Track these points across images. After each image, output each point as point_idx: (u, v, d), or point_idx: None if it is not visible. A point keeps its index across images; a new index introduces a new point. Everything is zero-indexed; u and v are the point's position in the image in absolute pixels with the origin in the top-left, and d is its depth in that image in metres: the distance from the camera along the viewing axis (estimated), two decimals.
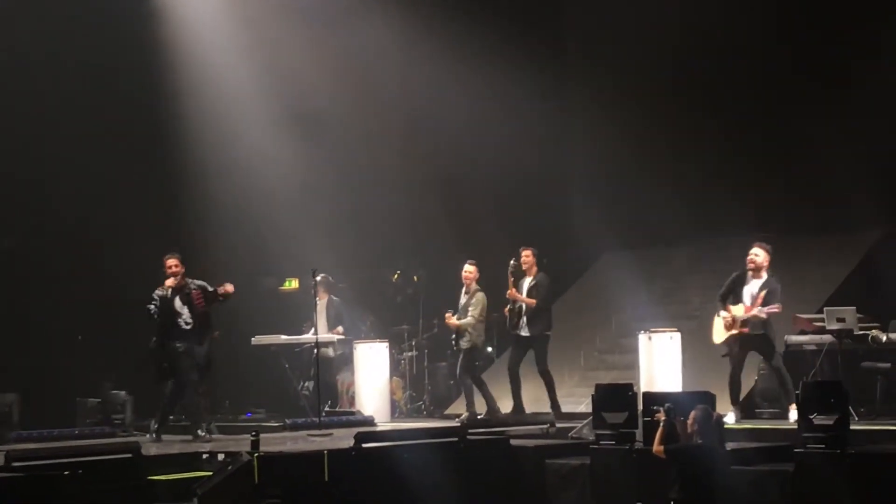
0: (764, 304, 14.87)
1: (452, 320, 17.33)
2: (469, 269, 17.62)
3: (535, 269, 17.25)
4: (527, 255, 17.19)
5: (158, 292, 15.67)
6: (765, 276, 15.10)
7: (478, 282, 17.57)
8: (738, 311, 15.10)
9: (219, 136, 19.80)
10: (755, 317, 14.89)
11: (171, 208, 20.13)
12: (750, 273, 15.18)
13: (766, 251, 15.17)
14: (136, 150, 19.70)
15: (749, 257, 15.19)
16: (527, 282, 17.16)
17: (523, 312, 17.07)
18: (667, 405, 12.35)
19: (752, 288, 15.10)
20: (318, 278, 17.64)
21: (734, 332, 15.09)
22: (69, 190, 19.29)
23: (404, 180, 21.08)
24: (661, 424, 12.17)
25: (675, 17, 20.12)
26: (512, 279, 17.07)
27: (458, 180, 21.21)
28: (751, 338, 15.02)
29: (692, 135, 19.85)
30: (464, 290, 17.67)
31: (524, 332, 17.09)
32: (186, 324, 15.68)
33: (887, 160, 17.81)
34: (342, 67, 20.37)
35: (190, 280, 15.79)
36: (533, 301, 16.99)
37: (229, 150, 19.85)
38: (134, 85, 19.51)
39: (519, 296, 17.06)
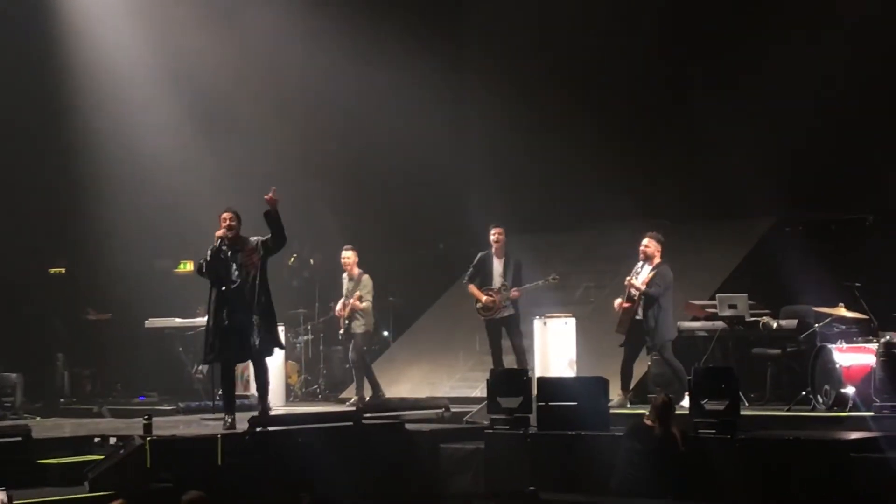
0: (649, 285, 15.03)
1: (357, 303, 17.23)
2: (347, 255, 17.53)
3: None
4: (498, 233, 16.62)
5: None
6: (656, 261, 15.26)
7: (358, 265, 17.54)
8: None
9: (115, 120, 19.54)
10: (637, 288, 15.05)
11: (64, 188, 19.85)
12: (641, 262, 15.35)
13: (657, 241, 15.33)
14: (29, 132, 19.40)
15: (641, 247, 15.35)
16: (497, 265, 16.59)
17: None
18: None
19: (643, 275, 15.24)
20: None
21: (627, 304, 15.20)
22: None
23: (302, 165, 20.98)
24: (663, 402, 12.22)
25: (567, 5, 20.27)
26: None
27: (355, 165, 21.20)
28: (642, 327, 15.16)
29: (587, 123, 19.99)
30: (346, 275, 17.61)
31: (500, 315, 16.47)
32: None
33: (781, 148, 18.07)
34: (241, 54, 20.22)
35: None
36: (518, 294, 16.41)
37: (126, 134, 19.60)
38: (30, 74, 19.19)
39: (500, 299, 16.39)
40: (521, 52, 21.01)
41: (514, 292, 16.33)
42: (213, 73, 19.92)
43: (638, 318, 15.16)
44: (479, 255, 16.68)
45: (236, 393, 17.04)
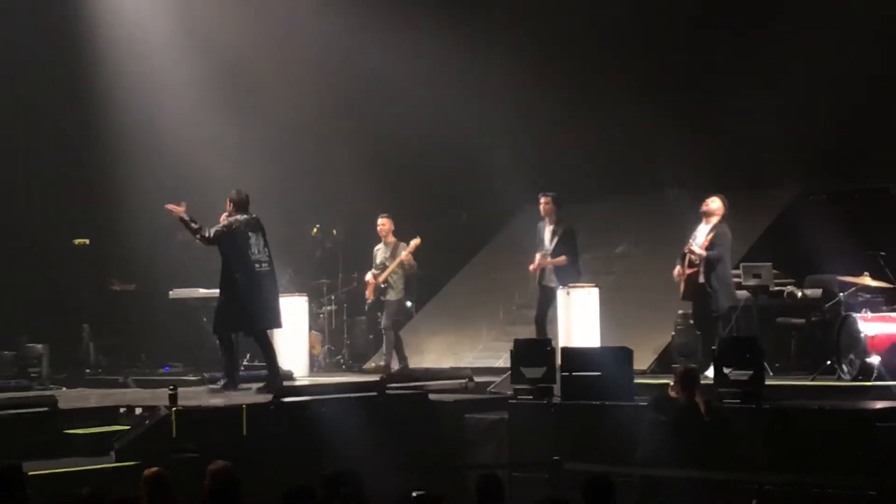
0: (709, 248, 14.91)
1: (409, 258, 17.29)
2: (383, 222, 17.65)
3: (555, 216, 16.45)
4: (544, 202, 16.51)
5: None
6: (714, 220, 15.12)
7: (394, 233, 17.59)
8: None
9: (139, 90, 19.56)
10: (696, 253, 14.94)
11: (88, 160, 19.89)
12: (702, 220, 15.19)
13: (723, 201, 15.15)
14: (52, 104, 19.42)
15: (702, 205, 15.19)
16: (548, 231, 16.48)
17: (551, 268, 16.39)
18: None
19: (700, 237, 15.11)
20: None
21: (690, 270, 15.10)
22: None
23: (324, 135, 20.97)
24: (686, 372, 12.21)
25: None
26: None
27: (378, 135, 21.13)
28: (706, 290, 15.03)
29: (611, 92, 19.88)
30: (382, 243, 17.67)
31: (552, 284, 16.39)
32: None
33: (804, 117, 17.96)
34: (263, 25, 20.18)
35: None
36: (562, 260, 16.26)
37: (151, 106, 19.61)
38: (52, 47, 19.22)
39: (545, 262, 16.26)
40: (547, 22, 20.89)
41: (540, 259, 16.17)
42: (235, 45, 19.89)
43: (701, 281, 14.99)
44: (538, 223, 16.55)
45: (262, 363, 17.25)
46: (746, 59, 18.66)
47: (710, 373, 13.52)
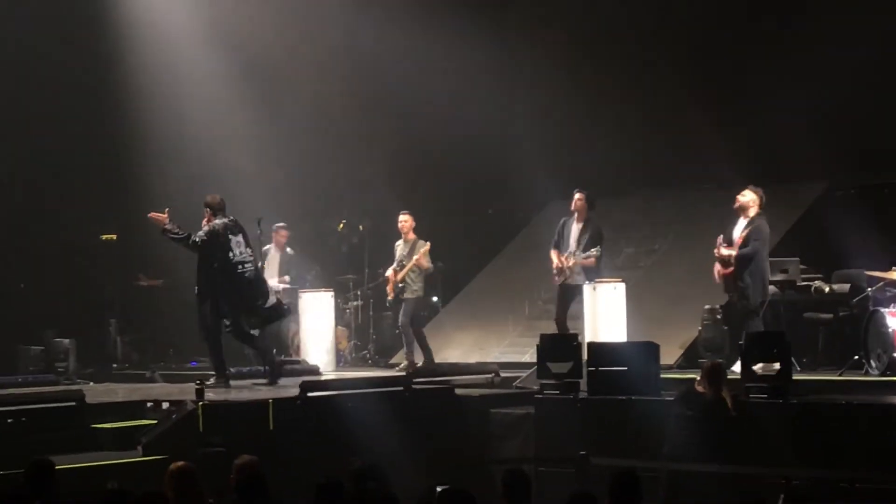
0: (743, 244, 14.81)
1: (423, 261, 17.32)
2: (404, 219, 17.64)
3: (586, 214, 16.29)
4: (577, 199, 16.31)
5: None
6: (751, 213, 15.01)
7: (414, 230, 17.60)
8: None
9: (165, 87, 19.60)
10: (724, 256, 14.87)
11: (115, 155, 19.94)
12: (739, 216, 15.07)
13: (756, 193, 15.00)
14: (79, 102, 19.49)
15: (737, 197, 15.06)
16: (575, 229, 16.27)
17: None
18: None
19: (738, 231, 14.98)
20: (283, 224, 17.95)
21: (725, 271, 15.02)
22: (6, 140, 19.05)
23: (350, 130, 20.99)
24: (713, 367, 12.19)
25: None
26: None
27: (403, 129, 21.15)
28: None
29: (637, 86, 19.86)
30: (402, 239, 17.68)
31: (575, 282, 16.22)
32: None
33: (833, 112, 17.89)
34: (288, 19, 20.19)
35: None
36: (592, 260, 16.07)
37: (176, 103, 19.65)
38: (79, 41, 19.27)
39: (573, 262, 16.06)
40: (575, 17, 20.85)
41: (571, 259, 16.13)
42: (262, 41, 19.91)
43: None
44: (562, 219, 16.50)
45: (288, 358, 17.32)
46: (775, 54, 18.59)
47: (737, 367, 13.48)
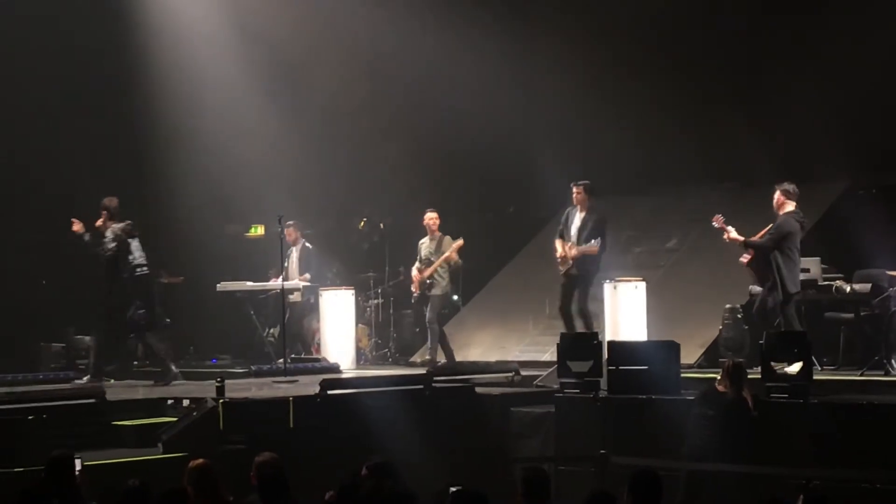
0: (762, 236, 14.83)
1: (454, 255, 17.37)
2: (431, 216, 17.65)
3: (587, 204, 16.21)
4: (576, 191, 16.27)
5: None
6: (782, 212, 14.96)
7: (440, 228, 17.62)
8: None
9: (185, 85, 19.64)
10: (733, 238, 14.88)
11: (136, 155, 19.99)
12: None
13: (783, 192, 14.96)
14: (101, 98, 19.54)
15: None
16: (577, 218, 16.21)
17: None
18: None
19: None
20: (291, 223, 17.83)
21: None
22: (33, 136, 19.11)
23: (370, 128, 21.01)
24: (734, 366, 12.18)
25: None
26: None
27: (424, 127, 21.15)
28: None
29: (657, 84, 19.81)
30: (427, 237, 17.68)
31: (573, 272, 16.12)
32: None
33: (854, 111, 17.84)
34: (308, 16, 20.21)
35: None
36: (594, 249, 15.91)
37: (196, 99, 19.68)
38: (100, 36, 19.30)
39: (574, 252, 15.95)
40: (596, 14, 20.81)
41: (573, 249, 16.06)
42: (284, 36, 19.94)
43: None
44: (567, 209, 16.45)
45: (309, 356, 17.38)
46: (798, 52, 18.54)
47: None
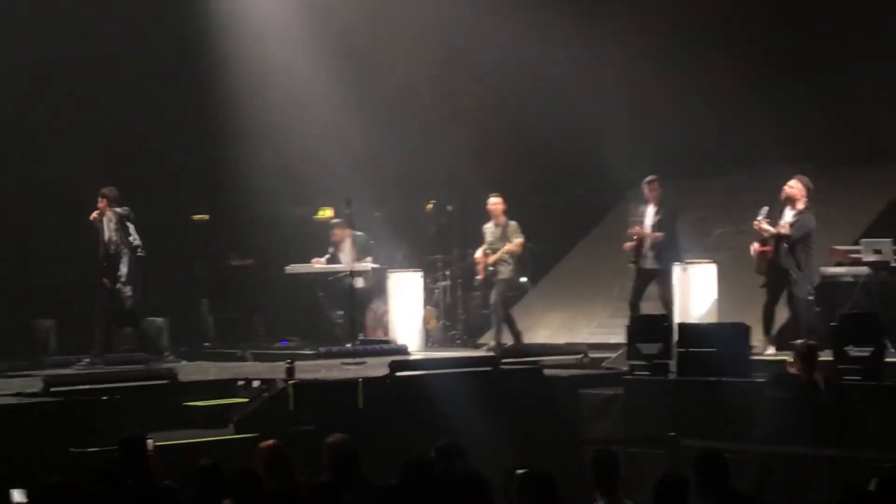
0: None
1: (513, 247, 17.36)
2: (496, 202, 17.58)
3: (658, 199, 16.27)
4: (652, 189, 16.29)
5: None
6: (799, 207, 14.94)
7: (506, 212, 17.58)
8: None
9: (255, 69, 19.72)
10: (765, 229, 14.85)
11: (206, 136, 20.11)
12: (787, 205, 15.02)
13: (804, 184, 14.97)
14: (171, 82, 19.66)
15: (785, 187, 15.05)
16: (650, 212, 16.31)
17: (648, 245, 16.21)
18: None
19: (785, 220, 14.95)
20: (337, 220, 18.15)
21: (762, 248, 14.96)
22: (108, 125, 19.30)
23: (439, 112, 20.99)
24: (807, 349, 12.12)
25: None
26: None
27: (491, 111, 21.11)
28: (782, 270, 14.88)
29: (729, 64, 19.64)
30: (493, 222, 17.63)
31: (649, 265, 16.23)
32: None
33: None
34: (379, 1, 20.23)
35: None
36: (660, 235, 16.07)
37: (266, 82, 19.76)
38: (170, 22, 19.42)
39: (645, 232, 16.12)
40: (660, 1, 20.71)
41: (647, 241, 16.01)
42: (353, 19, 19.96)
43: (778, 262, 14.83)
44: (640, 207, 16.43)
45: (380, 337, 17.45)
46: (859, 29, 18.34)
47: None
